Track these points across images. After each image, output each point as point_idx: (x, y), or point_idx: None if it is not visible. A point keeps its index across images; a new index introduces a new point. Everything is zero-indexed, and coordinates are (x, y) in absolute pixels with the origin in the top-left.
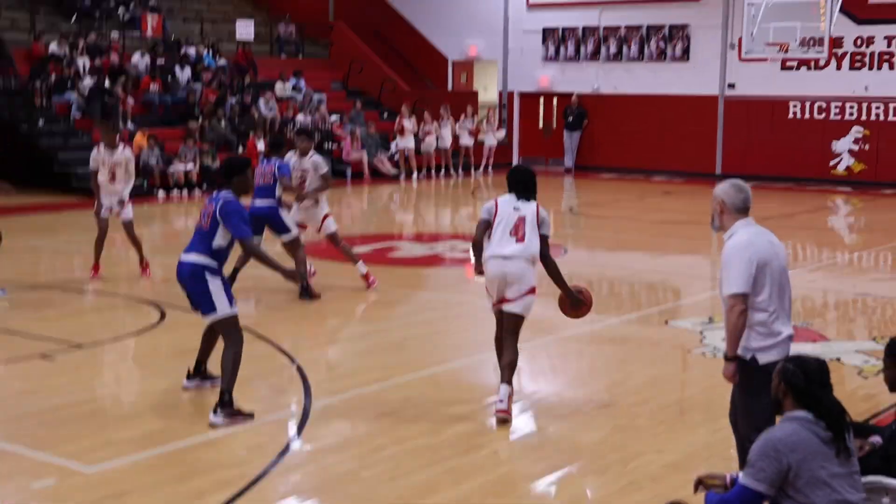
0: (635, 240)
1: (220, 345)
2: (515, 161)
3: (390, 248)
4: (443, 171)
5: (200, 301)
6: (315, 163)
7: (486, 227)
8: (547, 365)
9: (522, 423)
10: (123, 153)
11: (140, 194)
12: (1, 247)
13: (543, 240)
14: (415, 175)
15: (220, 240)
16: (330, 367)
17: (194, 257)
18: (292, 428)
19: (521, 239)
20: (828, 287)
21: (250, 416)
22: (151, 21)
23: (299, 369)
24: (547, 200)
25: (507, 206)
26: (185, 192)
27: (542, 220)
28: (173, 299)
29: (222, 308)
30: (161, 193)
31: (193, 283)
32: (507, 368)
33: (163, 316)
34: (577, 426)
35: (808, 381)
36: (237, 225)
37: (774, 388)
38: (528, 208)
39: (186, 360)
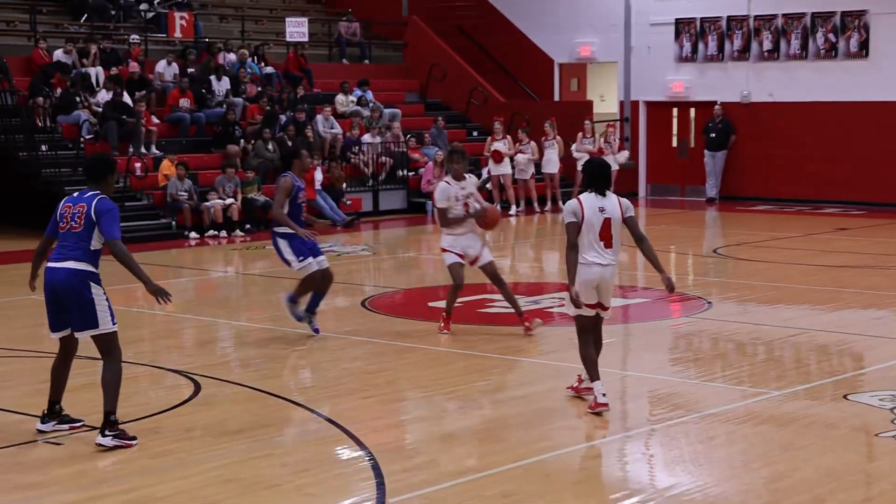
0: (800, 290)
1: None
2: (643, 191)
3: (483, 302)
4: (549, 203)
5: (75, 316)
6: (475, 183)
7: (578, 230)
8: (688, 452)
9: None
10: None
11: (167, 237)
12: None
13: (632, 221)
14: (513, 209)
15: (96, 242)
16: (406, 455)
17: (72, 264)
18: None
19: (609, 244)
20: None
21: (134, 438)
22: (180, 21)
23: (370, 456)
24: (684, 240)
25: (592, 207)
26: (222, 233)
27: (626, 208)
28: (211, 370)
29: (105, 322)
30: (193, 235)
31: (72, 293)
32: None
33: (197, 389)
34: None
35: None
36: (108, 224)
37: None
38: (612, 206)
39: (229, 442)
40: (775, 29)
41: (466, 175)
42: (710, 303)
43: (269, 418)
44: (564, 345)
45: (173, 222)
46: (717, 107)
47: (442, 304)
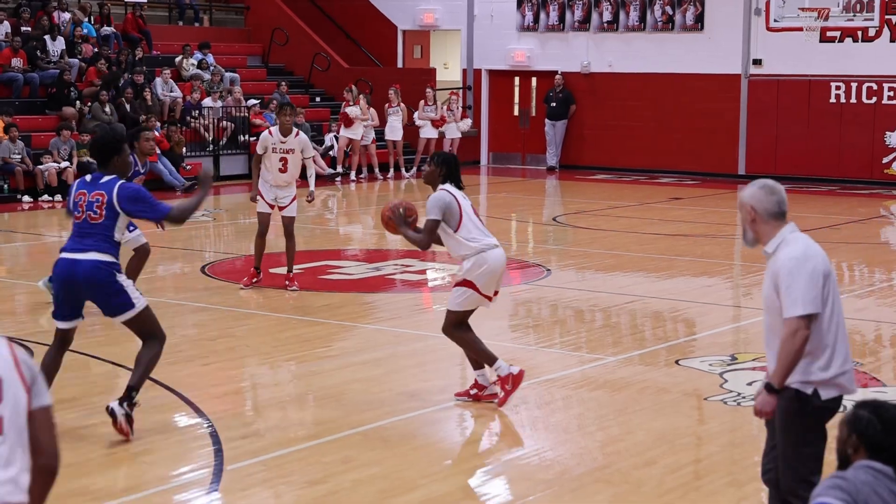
0: (636, 258)
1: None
2: (484, 159)
3: (325, 268)
4: (391, 169)
5: (109, 301)
6: (303, 142)
7: (458, 219)
8: (526, 417)
9: (495, 489)
10: None
11: (0, 200)
12: None
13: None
14: (353, 174)
15: (118, 234)
16: (246, 422)
17: (95, 255)
18: (201, 500)
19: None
20: (882, 318)
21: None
22: None
23: (208, 423)
24: (525, 207)
25: (461, 196)
26: (57, 196)
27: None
28: (44, 336)
29: (138, 301)
30: (27, 199)
31: (99, 284)
32: None
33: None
34: (565, 494)
35: (887, 432)
36: (147, 206)
37: (842, 441)
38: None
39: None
40: (615, 0)
41: (295, 131)
42: (549, 270)
43: (104, 386)
44: (404, 312)
45: (5, 185)
46: (557, 76)
47: (281, 270)
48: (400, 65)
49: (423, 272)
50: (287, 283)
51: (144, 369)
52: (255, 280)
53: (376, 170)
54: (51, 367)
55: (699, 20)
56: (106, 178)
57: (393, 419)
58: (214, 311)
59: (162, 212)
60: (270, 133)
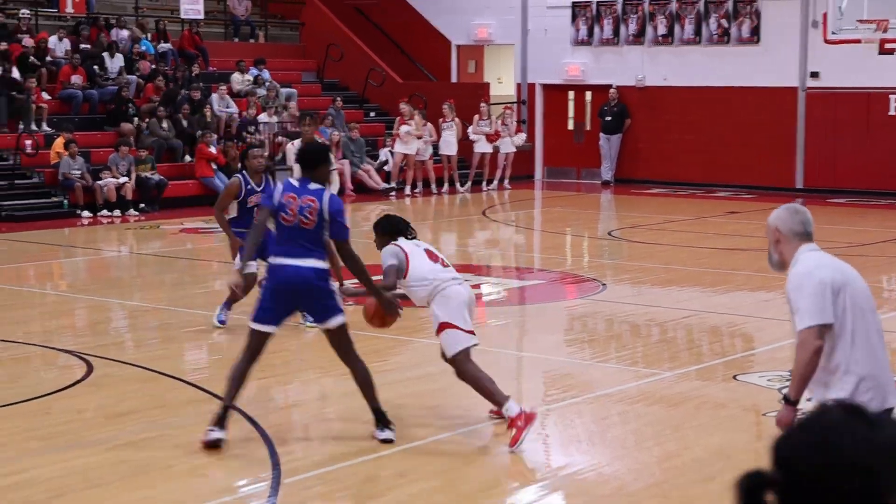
0: (692, 273)
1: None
2: (539, 173)
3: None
4: (446, 184)
5: (324, 305)
6: None
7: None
8: (583, 431)
9: None
10: None
11: (59, 215)
12: None
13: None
14: (408, 189)
15: (325, 238)
16: (303, 436)
17: (315, 262)
18: None
19: (445, 264)
20: None
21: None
22: None
23: (265, 437)
24: (580, 222)
25: (412, 245)
26: (116, 212)
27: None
28: (104, 350)
29: (342, 307)
30: (86, 214)
31: (318, 288)
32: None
33: (90, 370)
34: None
35: None
36: (342, 225)
37: None
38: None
39: (121, 423)
40: (669, 14)
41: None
42: (604, 285)
43: (163, 399)
44: None
45: (65, 201)
46: (612, 90)
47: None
48: (454, 79)
49: (477, 286)
50: None
51: (370, 386)
52: None
53: (432, 184)
54: (242, 377)
55: (755, 33)
56: (314, 186)
57: (449, 433)
58: None
59: (346, 235)
60: (293, 145)
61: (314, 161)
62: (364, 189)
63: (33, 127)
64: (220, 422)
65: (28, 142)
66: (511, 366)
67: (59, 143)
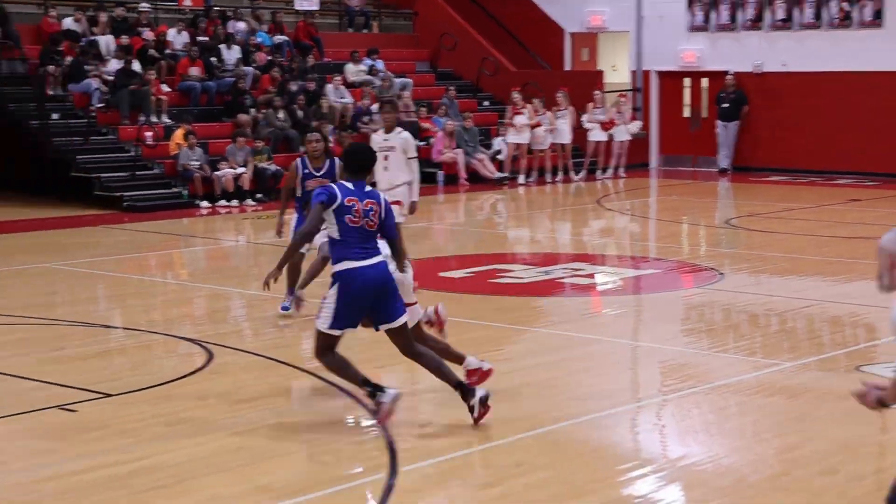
0: (813, 261)
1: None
2: (654, 161)
3: (494, 272)
4: (560, 173)
5: (393, 304)
6: (405, 141)
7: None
8: (700, 422)
9: (670, 495)
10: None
11: (179, 206)
12: None
13: None
14: (522, 178)
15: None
16: (419, 424)
17: (383, 260)
18: (373, 501)
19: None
20: None
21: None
22: None
23: (381, 426)
24: (696, 210)
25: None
26: (234, 202)
27: None
28: (224, 338)
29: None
30: (205, 204)
31: (391, 287)
32: None
33: (210, 358)
34: (742, 502)
35: None
36: (393, 226)
37: None
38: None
39: (241, 410)
40: None
41: (398, 129)
42: (722, 274)
43: (282, 387)
44: (574, 315)
45: (185, 191)
46: (729, 76)
47: (451, 274)
48: (567, 67)
49: (592, 276)
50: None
51: (443, 367)
52: None
53: (547, 174)
54: (346, 363)
55: (878, 16)
56: (370, 188)
57: (565, 423)
58: None
59: (396, 234)
60: (376, 132)
61: (366, 163)
62: (478, 178)
63: (153, 119)
64: (375, 389)
65: (148, 133)
66: (627, 355)
67: (178, 134)
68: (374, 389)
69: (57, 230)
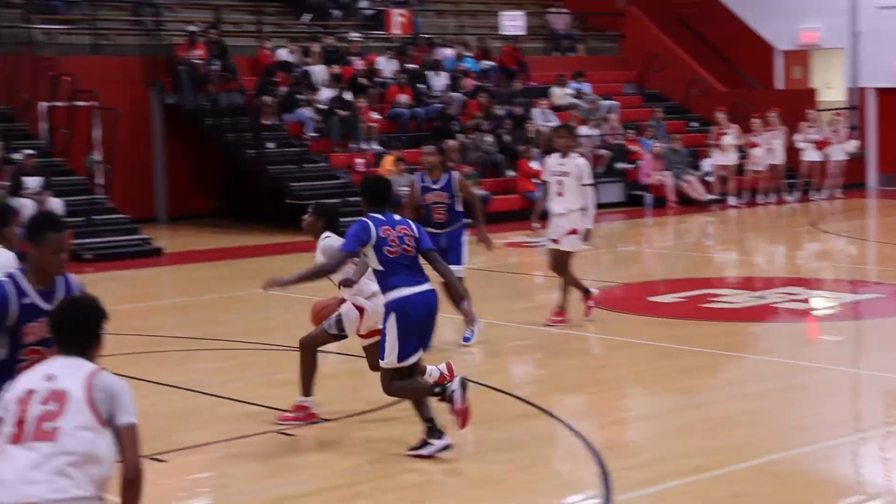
0: None
1: None
2: (872, 181)
3: (706, 297)
4: (771, 194)
5: (431, 335)
6: (579, 167)
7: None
8: None
9: None
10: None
11: None
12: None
13: None
14: (733, 200)
15: None
16: (633, 452)
17: (431, 286)
18: None
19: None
20: None
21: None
22: (399, 17)
23: (594, 452)
24: None
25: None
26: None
27: None
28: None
29: None
30: None
31: (436, 317)
32: None
33: None
34: None
35: None
36: (431, 248)
37: None
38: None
39: (452, 436)
40: None
41: (574, 154)
42: None
43: (493, 413)
44: (791, 342)
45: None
46: None
47: (661, 298)
48: (778, 86)
49: (808, 300)
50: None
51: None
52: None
53: (759, 195)
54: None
55: None
56: (398, 216)
57: (784, 454)
58: (595, 340)
59: (437, 257)
60: (551, 156)
61: (382, 193)
62: (687, 200)
63: (363, 145)
64: (442, 388)
65: (359, 160)
66: (848, 384)
67: (388, 160)
68: (442, 388)
69: (272, 256)
